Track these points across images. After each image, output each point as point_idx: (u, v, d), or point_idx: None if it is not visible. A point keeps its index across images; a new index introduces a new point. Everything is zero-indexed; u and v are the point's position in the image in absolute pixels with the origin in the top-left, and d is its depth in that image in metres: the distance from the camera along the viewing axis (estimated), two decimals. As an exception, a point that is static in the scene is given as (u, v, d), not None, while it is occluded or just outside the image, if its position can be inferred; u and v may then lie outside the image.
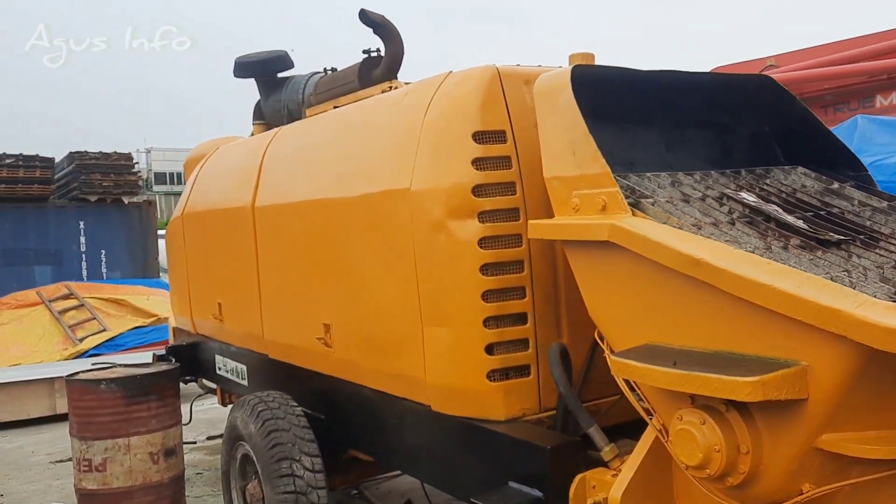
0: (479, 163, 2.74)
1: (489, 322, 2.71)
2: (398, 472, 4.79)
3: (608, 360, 2.17)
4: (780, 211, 2.47)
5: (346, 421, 3.64)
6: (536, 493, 2.47)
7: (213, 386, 6.10)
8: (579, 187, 2.40)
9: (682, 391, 1.96)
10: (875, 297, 1.87)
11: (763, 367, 1.82)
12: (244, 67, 5.28)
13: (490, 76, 2.83)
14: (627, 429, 2.69)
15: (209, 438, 7.17)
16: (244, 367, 4.71)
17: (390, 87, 3.71)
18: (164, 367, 4.84)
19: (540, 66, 3.09)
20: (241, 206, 4.42)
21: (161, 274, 15.25)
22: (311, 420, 3.72)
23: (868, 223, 2.56)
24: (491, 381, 2.71)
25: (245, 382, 4.72)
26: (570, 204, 2.43)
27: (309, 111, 4.52)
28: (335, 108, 4.13)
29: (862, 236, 2.37)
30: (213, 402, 6.58)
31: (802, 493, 1.91)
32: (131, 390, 4.50)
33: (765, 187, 2.74)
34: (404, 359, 3.04)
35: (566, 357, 2.67)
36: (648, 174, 2.61)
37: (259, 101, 5.48)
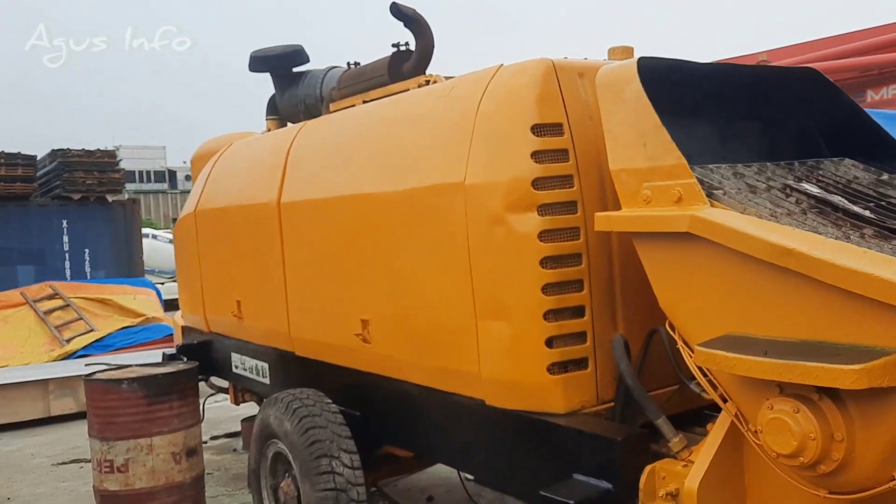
0: (537, 156, 2.73)
1: (549, 315, 2.71)
2: (421, 469, 4.79)
3: (677, 348, 2.17)
4: (845, 201, 2.49)
5: (384, 417, 3.62)
6: (606, 484, 2.47)
7: (224, 385, 6.05)
8: (651, 179, 2.40)
9: (778, 380, 1.97)
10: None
11: (863, 356, 1.83)
12: (259, 62, 5.22)
13: (546, 68, 2.82)
14: (681, 420, 2.71)
15: (213, 438, 7.10)
16: (265, 365, 4.66)
17: (427, 81, 3.69)
18: (184, 365, 4.77)
19: (586, 58, 3.09)
20: (265, 202, 4.36)
21: (146, 273, 15.07)
22: (346, 417, 3.68)
23: (926, 214, 2.58)
24: (551, 374, 2.71)
25: (266, 380, 4.67)
26: (640, 196, 2.43)
27: (333, 106, 4.47)
28: (364, 102, 4.10)
29: (927, 226, 2.39)
30: (212, 401, 6.52)
31: (894, 479, 1.92)
32: (153, 390, 4.43)
33: (821, 178, 2.76)
34: (455, 353, 3.02)
35: (627, 349, 2.67)
36: (711, 166, 2.61)
37: (273, 96, 5.43)
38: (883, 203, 2.58)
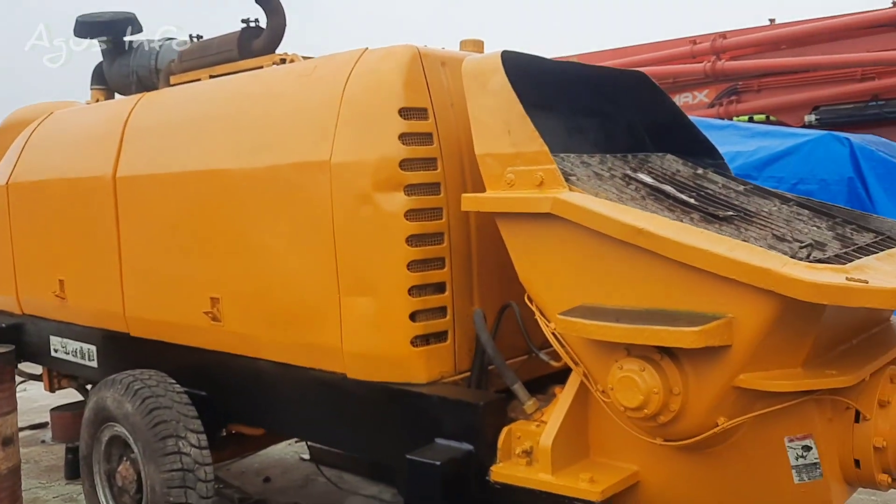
0: (404, 138, 2.85)
1: (413, 291, 2.84)
2: (264, 448, 4.77)
3: (540, 320, 2.39)
4: (674, 190, 2.84)
5: (233, 396, 3.58)
6: (468, 446, 2.65)
7: (34, 372, 5.62)
8: (515, 164, 2.60)
9: (628, 342, 2.24)
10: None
11: (698, 320, 2.14)
12: (87, 27, 4.89)
13: (412, 55, 2.94)
14: (528, 386, 2.96)
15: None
16: (93, 348, 4.41)
17: (283, 60, 3.67)
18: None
19: (444, 48, 3.25)
20: (96, 175, 4.13)
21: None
22: (191, 397, 3.61)
23: (737, 202, 3.01)
24: (414, 346, 2.85)
25: (94, 364, 4.42)
26: (504, 179, 2.62)
27: (174, 79, 4.31)
28: (211, 77, 4.00)
29: (740, 213, 2.80)
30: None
31: (717, 426, 2.26)
32: (-36, 375, 4.06)
33: (652, 170, 3.12)
34: (316, 329, 3.08)
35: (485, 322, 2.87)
36: (561, 155, 2.87)
37: (100, 65, 5.11)
38: (703, 193, 2.97)
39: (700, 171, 3.33)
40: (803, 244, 2.41)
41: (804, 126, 9.43)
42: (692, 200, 2.78)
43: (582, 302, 2.45)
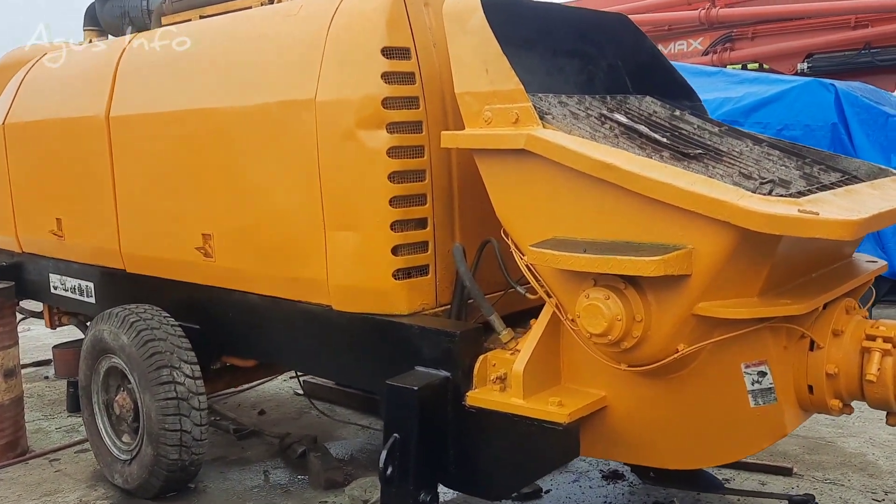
0: (387, 77, 2.92)
1: (395, 226, 2.95)
2: (249, 385, 4.94)
3: (503, 256, 2.51)
4: (648, 130, 2.93)
5: (226, 329, 3.72)
6: (445, 372, 2.79)
7: (35, 310, 5.77)
8: (492, 102, 2.69)
9: (594, 272, 2.36)
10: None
11: (660, 251, 2.26)
12: (77, -34, 4.90)
13: (394, -5, 3.00)
14: (507, 320, 3.09)
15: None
16: (90, 284, 4.54)
17: (271, 0, 3.72)
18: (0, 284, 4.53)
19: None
20: (91, 115, 4.20)
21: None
22: (185, 331, 3.75)
23: (710, 142, 3.10)
24: (396, 279, 2.97)
25: (91, 300, 4.56)
26: (482, 117, 2.71)
27: (165, 20, 4.35)
28: (201, 17, 4.05)
29: (711, 152, 2.89)
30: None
31: (678, 352, 2.40)
32: (-35, 309, 4.19)
33: (629, 111, 3.20)
34: (302, 263, 3.20)
35: (465, 256, 2.99)
36: (539, 94, 2.95)
37: (92, 6, 5.14)
38: (676, 133, 3.06)
39: (677, 112, 3.41)
40: (765, 180, 2.52)
41: (796, 74, 9.44)
42: (664, 140, 2.87)
43: (554, 235, 2.57)
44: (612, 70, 3.60)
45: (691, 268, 2.27)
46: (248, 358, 3.84)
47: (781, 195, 2.48)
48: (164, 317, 3.77)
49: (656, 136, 2.89)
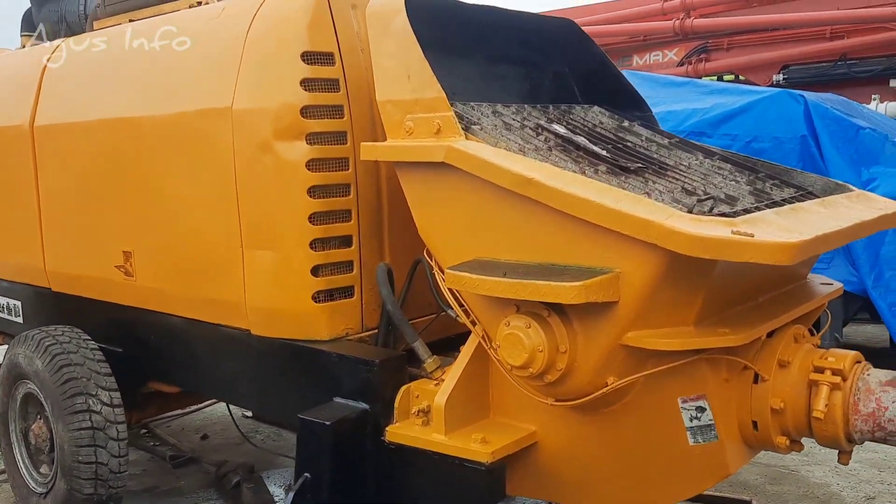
0: (307, 84, 2.71)
1: (315, 244, 2.73)
2: (196, 406, 4.69)
3: (436, 276, 2.29)
4: (588, 142, 2.73)
5: (149, 353, 3.48)
6: (363, 405, 2.57)
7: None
8: (414, 111, 2.48)
9: (512, 298, 2.14)
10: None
11: (584, 275, 2.04)
12: (10, -32, 4.67)
13: (318, -4, 2.79)
14: (440, 346, 2.87)
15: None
16: (18, 303, 4.29)
17: (199, 3, 3.50)
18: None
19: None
20: (15, 124, 3.97)
21: None
22: (107, 354, 3.51)
23: (656, 156, 2.90)
24: (316, 302, 2.75)
25: (20, 319, 4.30)
26: (403, 127, 2.50)
27: (97, 24, 4.12)
28: (131, 21, 3.82)
29: (654, 166, 2.69)
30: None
31: (607, 386, 2.18)
32: None
33: (571, 121, 3.00)
34: (220, 284, 2.97)
35: (391, 277, 2.77)
36: (472, 103, 2.74)
37: (29, 10, 4.89)
38: (620, 145, 2.86)
39: (626, 123, 3.21)
40: (705, 197, 2.31)
41: (772, 85, 9.31)
42: (604, 152, 2.67)
43: (477, 256, 2.36)
44: (559, 78, 3.40)
45: (618, 294, 2.06)
46: (171, 384, 3.59)
47: (724, 213, 2.28)
48: (84, 339, 3.53)
49: (595, 148, 2.68)
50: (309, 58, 2.72)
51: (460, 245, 2.39)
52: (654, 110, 6.64)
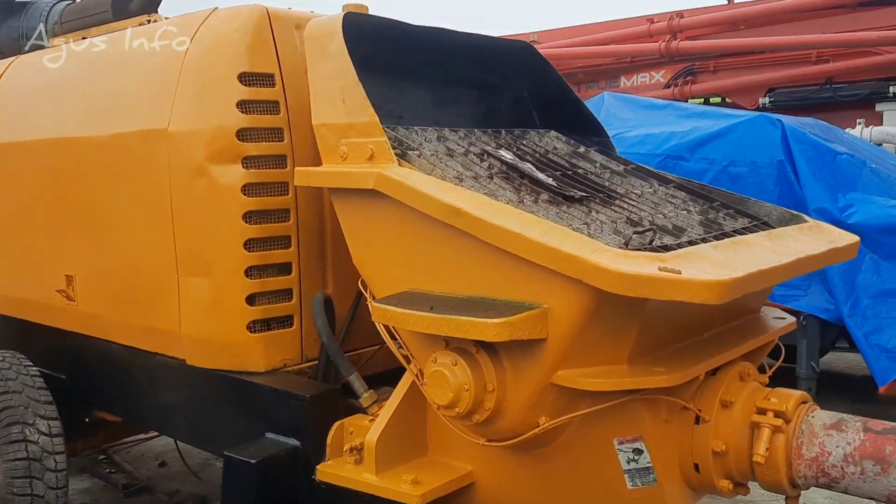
0: (244, 105, 2.62)
1: (251, 272, 2.63)
2: (150, 434, 4.56)
3: (370, 306, 2.20)
4: (534, 169, 2.64)
5: (91, 380, 3.37)
6: (294, 442, 2.45)
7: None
8: (348, 135, 2.39)
9: (438, 334, 2.04)
10: (609, 245, 2.07)
11: (510, 310, 1.94)
12: (-27, -16, 4.61)
13: (259, 16, 2.71)
14: (391, 377, 2.76)
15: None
16: (-41, 327, 4.18)
17: (148, 21, 3.43)
18: None
19: (313, 11, 3.02)
20: (-36, 142, 3.87)
21: None
22: (50, 381, 3.39)
23: (607, 183, 2.81)
24: (251, 332, 2.64)
25: (-31, 343, 4.19)
26: (338, 152, 2.41)
27: (52, 41, 4.05)
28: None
29: (601, 194, 2.60)
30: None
31: (539, 426, 2.07)
32: None
33: (521, 147, 2.91)
34: (157, 311, 2.87)
35: (330, 306, 2.67)
36: (416, 128, 2.66)
37: (-9, 26, 4.83)
38: (570, 172, 2.77)
39: (581, 149, 3.13)
40: (643, 229, 2.22)
41: (758, 109, 9.25)
42: (549, 180, 2.58)
43: (410, 288, 2.26)
44: (517, 102, 3.32)
45: (547, 331, 1.96)
46: (112, 413, 3.48)
47: (666, 246, 2.18)
48: (25, 366, 3.41)
49: (541, 175, 2.59)
50: (247, 79, 2.64)
51: (394, 276, 2.30)
52: (633, 133, 6.63)
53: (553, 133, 3.21)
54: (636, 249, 2.06)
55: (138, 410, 3.20)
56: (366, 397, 2.50)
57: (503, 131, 3.00)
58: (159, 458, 4.91)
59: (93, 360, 3.30)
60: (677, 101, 9.40)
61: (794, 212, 2.72)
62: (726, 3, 10.17)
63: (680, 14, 10.07)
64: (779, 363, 2.50)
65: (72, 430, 3.43)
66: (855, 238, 2.49)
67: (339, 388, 2.55)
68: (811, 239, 2.36)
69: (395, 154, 2.32)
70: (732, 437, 2.14)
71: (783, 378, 6.04)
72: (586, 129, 3.29)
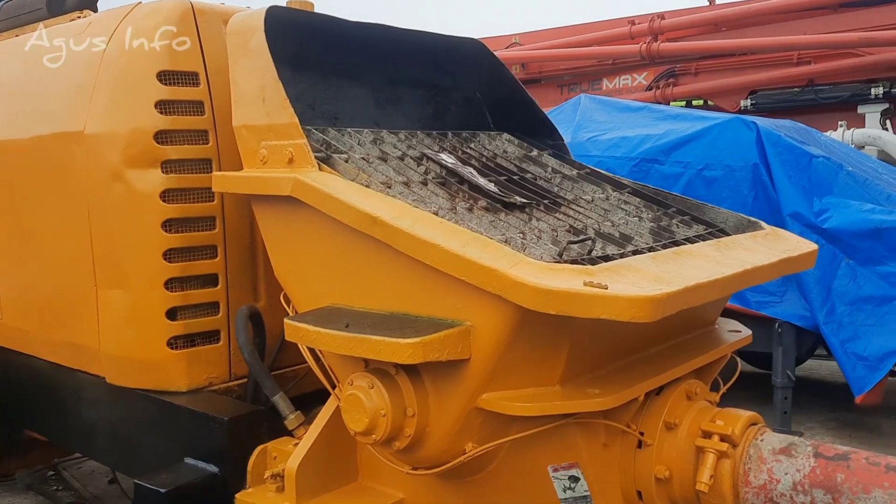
0: (164, 106, 2.45)
1: (172, 284, 2.46)
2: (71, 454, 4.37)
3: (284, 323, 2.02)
4: (475, 173, 2.47)
5: (18, 398, 3.18)
6: (212, 468, 2.28)
7: None
8: (268, 138, 2.22)
9: (351, 354, 1.87)
10: (541, 258, 1.91)
11: (431, 328, 1.78)
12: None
13: (182, 10, 2.54)
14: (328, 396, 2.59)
15: None
16: None
17: (80, 17, 3.25)
18: None
19: (248, 7, 2.85)
20: None
21: None
22: (-22, 397, 3.21)
23: (556, 189, 2.65)
24: (172, 348, 2.47)
25: None
26: (258, 155, 2.24)
27: (-11, 39, 3.86)
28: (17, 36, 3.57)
29: (546, 201, 2.44)
30: None
31: (465, 453, 1.90)
32: None
33: (467, 150, 2.75)
34: (77, 326, 2.69)
35: (258, 321, 2.49)
36: (351, 129, 2.50)
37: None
38: (516, 177, 2.60)
39: (534, 152, 2.97)
40: (580, 238, 2.05)
41: (740, 111, 9.12)
42: (490, 185, 2.41)
43: (332, 303, 2.08)
44: (468, 103, 3.16)
45: (469, 351, 1.79)
46: (39, 432, 3.29)
47: (608, 256, 2.02)
48: (-50, 382, 3.23)
49: (481, 181, 2.42)
50: (167, 77, 2.47)
51: (316, 290, 2.12)
52: (608, 136, 6.46)
53: (506, 136, 3.05)
54: (569, 261, 1.91)
55: (62, 430, 3.02)
56: (291, 419, 2.32)
57: (450, 134, 2.84)
58: (110, 475, 4.72)
59: (18, 376, 3.12)
60: (659, 103, 9.27)
61: (752, 218, 2.56)
62: (707, 4, 10.04)
63: (661, 16, 9.93)
64: (731, 382, 2.33)
65: (4, 450, 3.25)
66: (813, 246, 2.33)
67: (264, 410, 2.38)
68: (764, 248, 2.19)
69: (319, 158, 2.15)
70: (677, 462, 1.97)
71: (761, 387, 5.89)
72: (541, 131, 3.12)
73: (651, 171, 5.91)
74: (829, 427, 5.74)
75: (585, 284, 1.60)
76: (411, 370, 1.88)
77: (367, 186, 2.07)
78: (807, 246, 2.32)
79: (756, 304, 5.27)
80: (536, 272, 1.65)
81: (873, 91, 8.62)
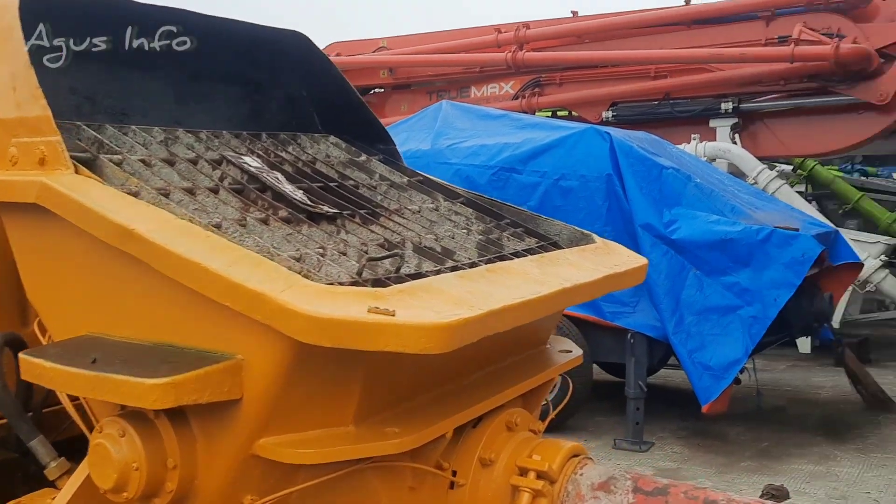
0: None
1: None
2: None
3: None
4: (282, 179, 2.19)
5: None
6: (-51, 531, 1.88)
7: None
8: (19, 134, 1.85)
9: (94, 397, 1.55)
10: (339, 276, 1.66)
11: (189, 364, 1.48)
12: None
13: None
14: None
15: None
16: None
17: None
18: None
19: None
20: None
21: None
22: None
23: (379, 198, 2.42)
24: None
25: None
26: (8, 155, 1.87)
27: None
28: None
29: (363, 211, 2.19)
30: None
31: (247, 507, 1.62)
32: None
33: (280, 154, 2.46)
34: None
35: (17, 347, 2.10)
36: (136, 127, 2.16)
37: None
38: (333, 184, 2.34)
39: (363, 157, 2.72)
40: (381, 255, 1.82)
41: (602, 122, 9.27)
42: (297, 193, 2.14)
43: (91, 331, 1.74)
44: (293, 103, 2.87)
45: (241, 390, 1.51)
46: None
47: (420, 274, 1.79)
48: None
49: (287, 188, 2.15)
50: None
51: (72, 316, 1.78)
52: (467, 144, 6.31)
53: (332, 139, 2.78)
54: (370, 281, 1.66)
55: None
56: (53, 468, 1.95)
57: (264, 135, 2.55)
58: None
59: None
60: (525, 112, 9.28)
61: (585, 231, 2.41)
62: (571, 16, 10.18)
63: (527, 25, 9.97)
64: (558, 410, 2.16)
65: None
66: (643, 261, 2.20)
67: (18, 458, 1.99)
68: (591, 263, 2.03)
69: (82, 159, 1.81)
70: (493, 503, 1.76)
71: (617, 397, 5.87)
72: (371, 135, 2.88)
73: (510, 180, 5.82)
74: (679, 436, 5.81)
75: (370, 311, 1.35)
76: (174, 414, 1.57)
77: (136, 194, 1.75)
78: (636, 260, 2.19)
79: (610, 315, 5.25)
80: (312, 297, 1.39)
81: (723, 106, 8.97)
